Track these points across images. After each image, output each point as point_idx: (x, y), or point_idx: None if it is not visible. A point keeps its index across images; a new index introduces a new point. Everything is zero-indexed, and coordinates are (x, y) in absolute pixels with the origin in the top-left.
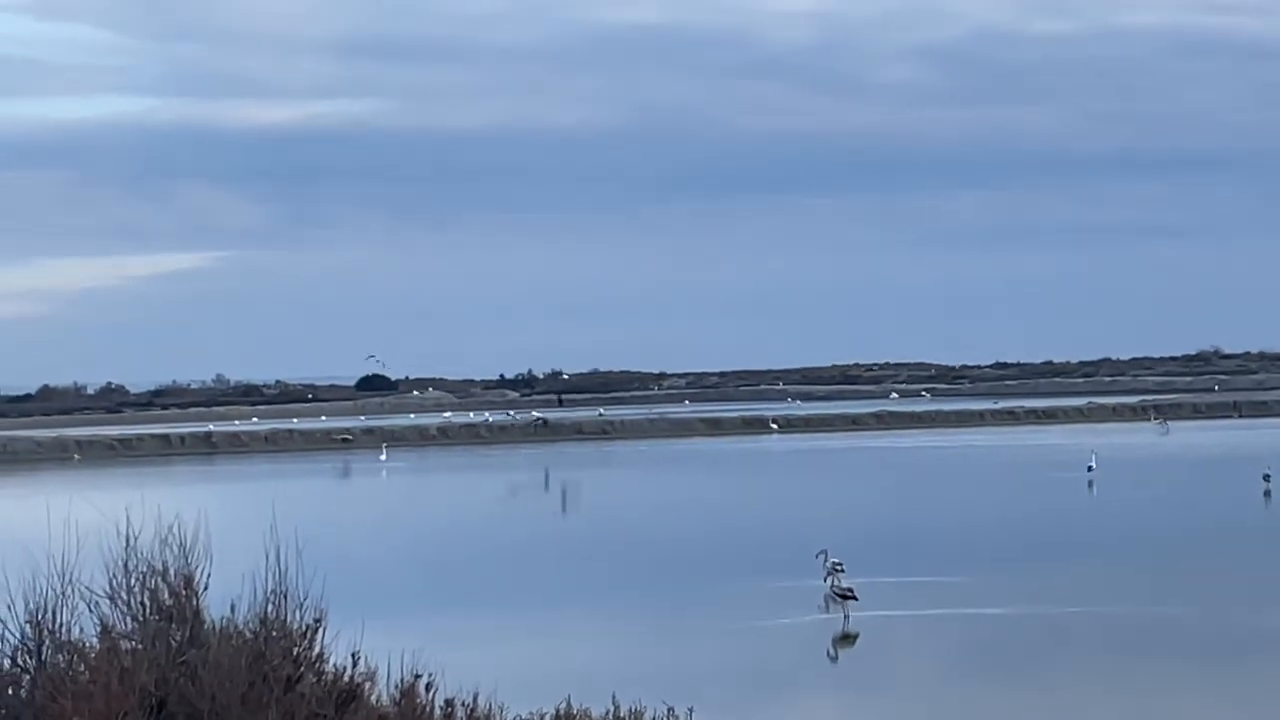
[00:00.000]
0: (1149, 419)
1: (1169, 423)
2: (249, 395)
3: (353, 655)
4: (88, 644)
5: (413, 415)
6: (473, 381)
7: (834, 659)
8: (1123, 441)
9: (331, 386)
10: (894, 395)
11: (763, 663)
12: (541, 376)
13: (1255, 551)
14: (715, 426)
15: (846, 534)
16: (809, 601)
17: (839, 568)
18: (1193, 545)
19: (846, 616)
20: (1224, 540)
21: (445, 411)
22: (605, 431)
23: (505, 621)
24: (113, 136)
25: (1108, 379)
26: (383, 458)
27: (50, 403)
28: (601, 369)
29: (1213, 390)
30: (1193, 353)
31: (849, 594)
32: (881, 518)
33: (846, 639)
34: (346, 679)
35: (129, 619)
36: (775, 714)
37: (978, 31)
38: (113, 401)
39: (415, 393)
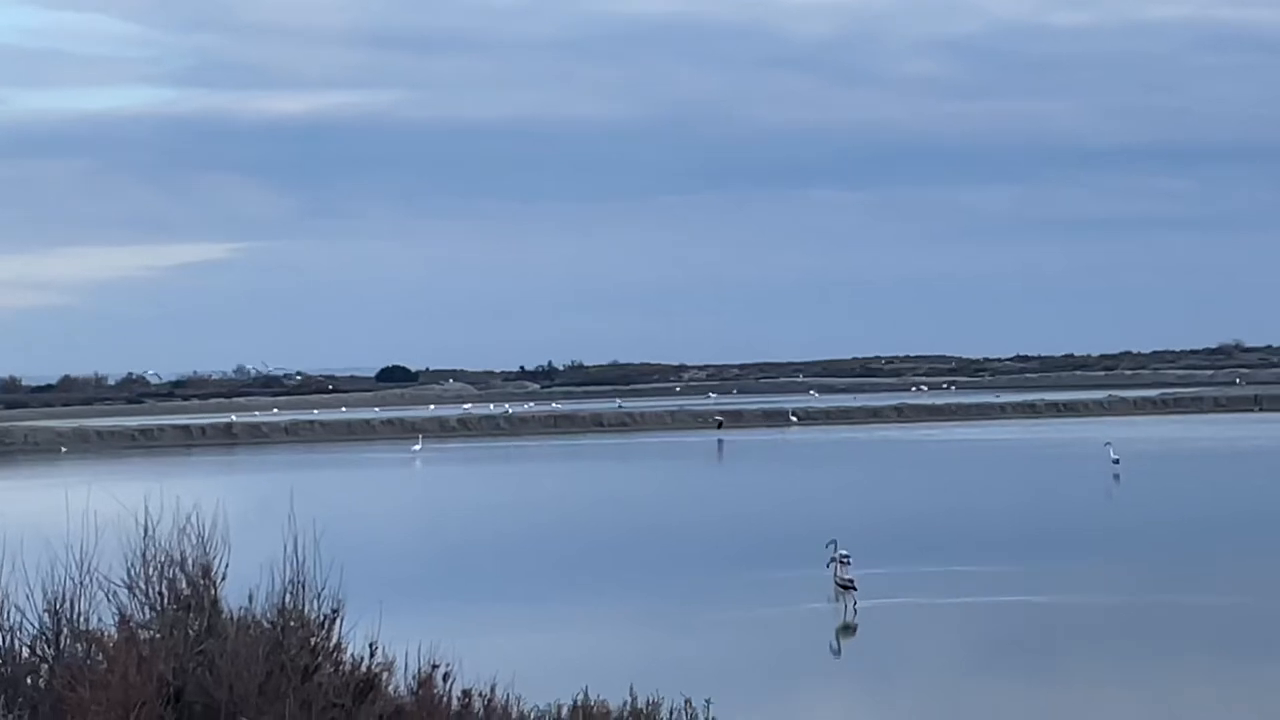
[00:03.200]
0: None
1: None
2: (269, 386)
3: (370, 645)
4: (106, 633)
5: (432, 407)
6: (492, 373)
7: (836, 650)
8: (1144, 435)
9: (352, 377)
10: (921, 388)
11: (767, 653)
12: (561, 368)
13: None
14: (735, 419)
15: (863, 525)
16: (820, 592)
17: (845, 559)
18: (1220, 536)
19: (850, 607)
20: (1252, 531)
21: (465, 403)
22: (625, 423)
23: (521, 612)
24: (135, 127)
25: (1129, 372)
26: (416, 448)
27: (71, 393)
28: (621, 361)
29: (1234, 384)
30: (1214, 346)
31: (850, 585)
32: (898, 509)
33: (848, 629)
34: (364, 669)
35: (147, 609)
36: (777, 703)
37: (998, 25)
38: (133, 392)
39: (435, 385)
